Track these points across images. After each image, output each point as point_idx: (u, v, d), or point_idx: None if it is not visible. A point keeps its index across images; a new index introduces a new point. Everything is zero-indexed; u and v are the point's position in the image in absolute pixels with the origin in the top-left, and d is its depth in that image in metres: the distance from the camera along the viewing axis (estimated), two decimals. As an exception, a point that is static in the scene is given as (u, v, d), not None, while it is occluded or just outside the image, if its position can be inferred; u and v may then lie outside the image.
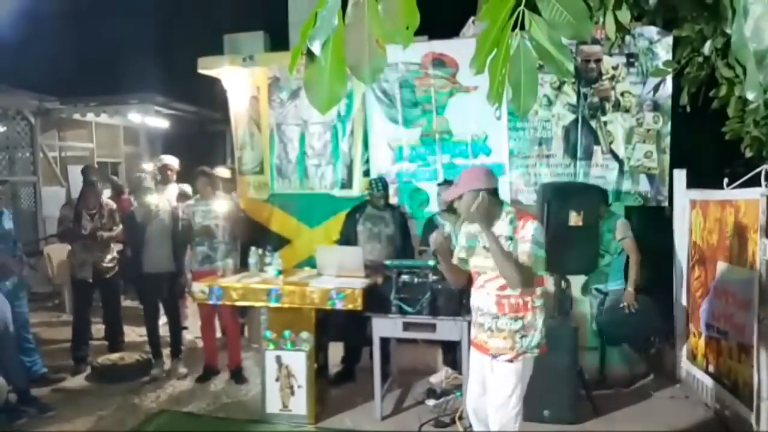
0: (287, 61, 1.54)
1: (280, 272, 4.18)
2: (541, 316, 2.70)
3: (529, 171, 4.82)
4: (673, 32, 3.02)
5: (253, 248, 4.38)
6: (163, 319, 5.10)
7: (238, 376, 4.66)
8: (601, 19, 2.38)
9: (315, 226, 5.29)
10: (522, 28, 1.21)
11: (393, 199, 4.90)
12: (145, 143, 10.46)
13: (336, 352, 4.61)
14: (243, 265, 4.44)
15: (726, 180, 3.88)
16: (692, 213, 4.38)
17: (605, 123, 4.70)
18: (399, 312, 3.72)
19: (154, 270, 4.74)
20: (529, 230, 2.59)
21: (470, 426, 3.28)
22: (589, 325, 4.46)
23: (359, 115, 5.19)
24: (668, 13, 2.56)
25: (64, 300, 6.69)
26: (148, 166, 5.75)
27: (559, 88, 4.73)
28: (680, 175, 4.51)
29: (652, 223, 5.03)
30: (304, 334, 3.85)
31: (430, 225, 4.33)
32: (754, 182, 3.52)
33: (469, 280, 2.90)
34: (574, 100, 4.72)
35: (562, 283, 4.01)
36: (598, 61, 4.65)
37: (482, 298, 2.72)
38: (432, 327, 3.69)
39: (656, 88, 4.43)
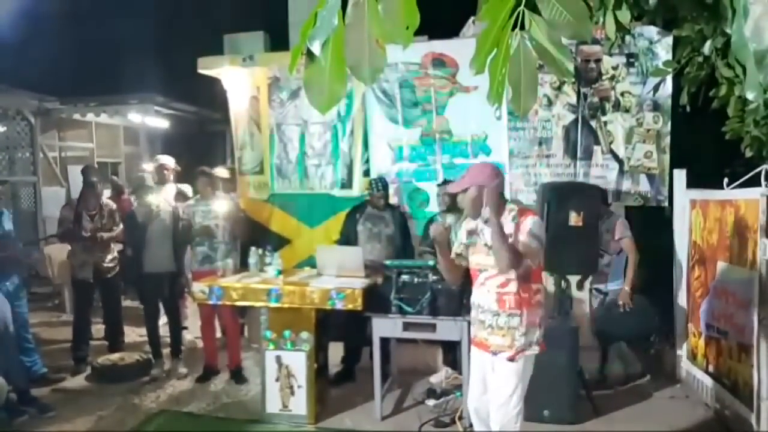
0: (287, 61, 1.54)
1: (280, 272, 4.18)
2: (540, 313, 2.72)
3: (529, 171, 4.82)
4: (673, 32, 3.02)
5: (253, 248, 4.38)
6: (163, 319, 5.10)
7: (238, 376, 4.66)
8: (601, 19, 2.39)
9: (315, 226, 5.29)
10: (522, 28, 1.21)
11: (393, 199, 4.90)
12: (145, 143, 10.47)
13: (336, 352, 4.61)
14: (243, 265, 4.44)
15: (726, 180, 3.88)
16: (692, 213, 4.38)
17: (605, 123, 4.70)
18: (399, 312, 3.72)
19: (155, 270, 4.74)
20: (528, 223, 2.63)
21: (470, 426, 3.29)
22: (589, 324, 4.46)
23: (359, 115, 5.19)
24: (668, 12, 2.56)
25: (65, 300, 6.69)
26: (149, 166, 5.75)
27: (559, 88, 4.73)
28: (680, 175, 4.51)
29: (652, 223, 5.03)
30: (304, 334, 3.85)
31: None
32: (754, 182, 3.52)
33: (468, 278, 2.91)
34: (574, 100, 4.72)
35: (562, 283, 4.01)
36: (598, 61, 4.65)
37: (483, 295, 2.73)
38: (432, 327, 3.69)
39: (656, 88, 4.43)
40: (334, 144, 5.30)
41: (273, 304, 3.84)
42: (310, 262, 4.67)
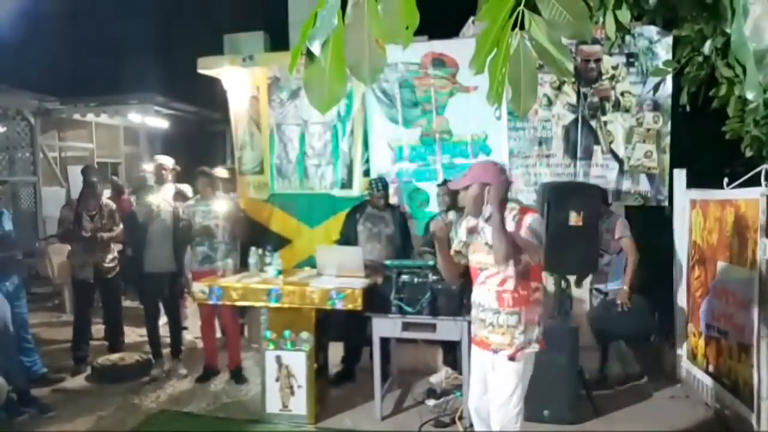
0: (287, 61, 1.54)
1: (280, 272, 4.18)
2: (539, 311, 2.73)
3: (529, 171, 4.82)
4: (673, 32, 3.02)
5: (253, 248, 4.38)
6: (163, 320, 5.10)
7: (238, 376, 4.66)
8: (601, 19, 2.39)
9: (315, 226, 5.29)
10: (522, 27, 1.21)
11: (393, 199, 4.90)
12: (145, 143, 10.47)
13: (336, 352, 4.61)
14: (243, 265, 4.44)
15: (726, 179, 3.87)
16: (692, 213, 4.38)
17: (605, 123, 4.70)
18: (399, 312, 3.72)
19: (155, 270, 4.74)
20: (528, 220, 2.65)
21: (470, 426, 3.29)
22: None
23: (359, 115, 5.19)
24: (668, 12, 2.57)
25: (65, 300, 6.69)
26: (149, 167, 5.76)
27: (559, 88, 4.73)
28: (680, 175, 4.51)
29: (652, 223, 5.03)
30: (304, 334, 3.85)
31: None
32: (754, 182, 3.52)
33: (468, 278, 2.91)
34: (574, 99, 4.72)
35: (562, 283, 4.01)
36: (598, 60, 4.65)
37: (483, 294, 2.74)
38: (432, 327, 3.69)
39: (656, 88, 4.43)
40: (334, 144, 5.30)
41: (273, 304, 3.84)
42: (310, 262, 4.67)
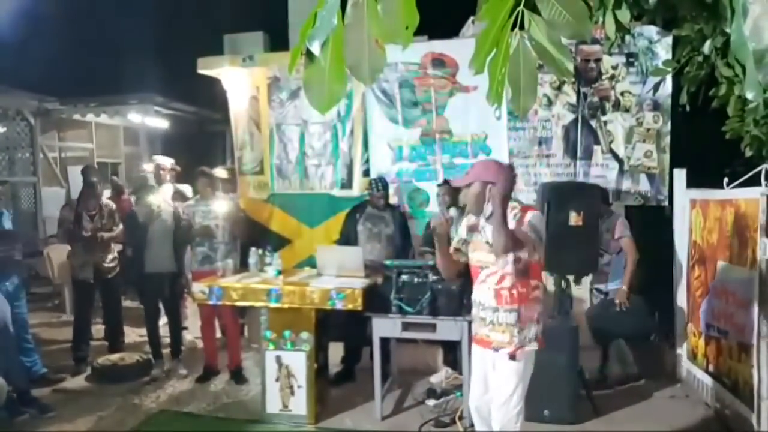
0: (287, 61, 1.54)
1: (279, 272, 4.18)
2: (538, 309, 2.73)
3: (528, 171, 4.82)
4: (673, 32, 3.02)
5: (253, 248, 4.38)
6: (163, 320, 5.10)
7: (238, 376, 4.66)
8: (601, 19, 2.39)
9: (315, 226, 5.29)
10: (521, 27, 1.21)
11: (393, 199, 4.90)
12: (145, 143, 10.47)
13: (336, 352, 4.61)
14: (243, 265, 4.43)
15: (726, 179, 3.88)
16: (692, 212, 4.38)
17: (605, 122, 4.70)
18: (399, 312, 3.72)
19: (155, 270, 4.74)
20: (528, 216, 2.67)
21: (471, 426, 3.29)
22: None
23: (359, 115, 5.19)
24: (668, 12, 2.57)
25: (65, 300, 6.69)
26: (149, 167, 5.76)
27: (558, 88, 4.73)
28: (680, 175, 4.51)
29: (652, 223, 5.03)
30: (304, 334, 3.85)
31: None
32: (754, 181, 3.52)
33: (468, 278, 2.91)
34: (573, 99, 4.72)
35: (562, 282, 4.01)
36: (598, 60, 4.65)
37: (483, 292, 2.74)
38: (432, 327, 3.69)
39: (656, 88, 4.43)
40: (334, 144, 5.30)
41: (273, 304, 3.84)
42: (310, 262, 4.67)
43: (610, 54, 4.58)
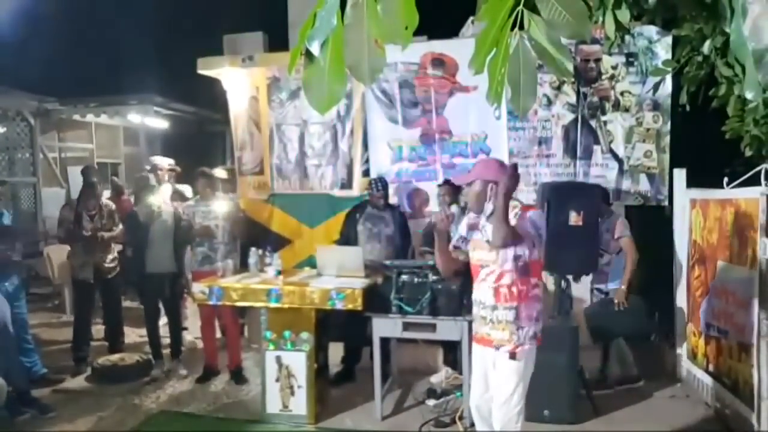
0: (287, 61, 1.54)
1: (279, 272, 4.18)
2: (537, 307, 2.74)
3: (528, 171, 4.82)
4: (673, 31, 3.02)
5: (253, 248, 4.38)
6: (163, 320, 5.10)
7: (238, 376, 4.66)
8: (601, 19, 2.39)
9: (315, 226, 5.29)
10: (521, 27, 1.21)
11: (393, 199, 4.90)
12: (145, 144, 10.47)
13: (336, 352, 4.61)
14: (243, 266, 4.43)
15: (726, 179, 3.88)
16: (692, 212, 4.38)
17: (605, 122, 4.70)
18: (399, 312, 3.72)
19: (156, 270, 4.73)
20: (528, 213, 2.70)
21: (471, 426, 3.29)
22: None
23: (359, 115, 5.19)
24: (667, 12, 2.57)
25: (65, 301, 6.69)
26: (148, 167, 5.77)
27: (558, 88, 4.73)
28: (680, 175, 4.51)
29: (652, 223, 5.03)
30: (304, 335, 3.85)
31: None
32: (754, 181, 3.52)
33: (468, 278, 2.91)
34: (573, 99, 4.72)
35: (562, 282, 4.01)
36: (598, 60, 4.65)
37: (484, 291, 2.75)
38: (432, 327, 3.69)
39: (656, 88, 4.43)
40: (334, 144, 5.30)
41: (273, 305, 3.84)
42: (310, 262, 4.67)
43: (610, 54, 4.58)
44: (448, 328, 3.65)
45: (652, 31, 4.45)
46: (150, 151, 9.84)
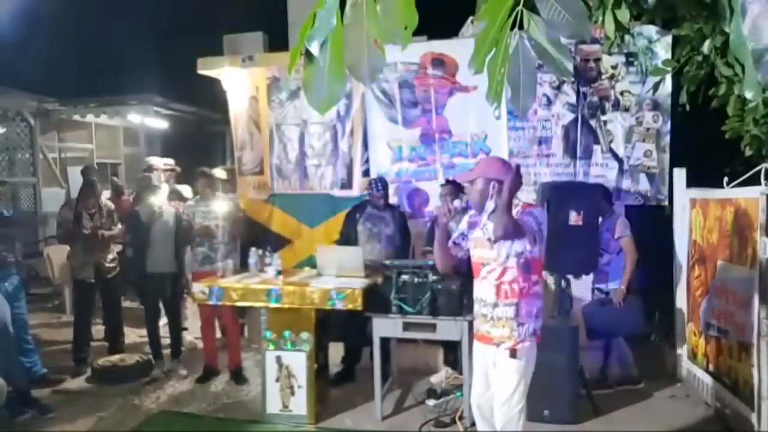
0: (286, 61, 1.54)
1: (279, 272, 4.18)
2: (537, 304, 2.74)
3: (528, 170, 4.81)
4: (673, 31, 3.02)
5: (253, 249, 4.38)
6: (163, 320, 5.10)
7: (238, 376, 4.66)
8: (600, 18, 2.39)
9: (315, 226, 5.29)
10: (521, 27, 1.21)
11: (393, 199, 4.90)
12: (145, 144, 10.47)
13: (336, 352, 4.61)
14: (243, 266, 4.43)
15: (726, 179, 3.87)
16: (692, 212, 4.38)
17: (605, 122, 4.70)
18: (399, 312, 3.72)
19: (156, 270, 4.74)
20: (529, 210, 2.71)
21: (471, 425, 3.29)
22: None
23: (359, 115, 5.20)
24: (667, 12, 2.57)
25: (65, 301, 6.69)
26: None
27: (558, 88, 4.73)
28: (680, 174, 4.51)
29: (652, 222, 5.03)
30: (304, 335, 3.85)
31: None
32: (754, 181, 3.51)
33: (468, 278, 2.90)
34: (573, 99, 4.72)
35: (562, 282, 4.01)
36: (598, 60, 4.65)
37: (484, 289, 2.76)
38: (432, 327, 3.69)
39: (656, 87, 4.41)
40: (334, 144, 5.30)
41: (273, 305, 3.84)
42: (310, 262, 4.67)
43: (610, 54, 4.58)
44: (448, 328, 3.65)
45: (651, 30, 4.45)
46: (150, 152, 9.84)
